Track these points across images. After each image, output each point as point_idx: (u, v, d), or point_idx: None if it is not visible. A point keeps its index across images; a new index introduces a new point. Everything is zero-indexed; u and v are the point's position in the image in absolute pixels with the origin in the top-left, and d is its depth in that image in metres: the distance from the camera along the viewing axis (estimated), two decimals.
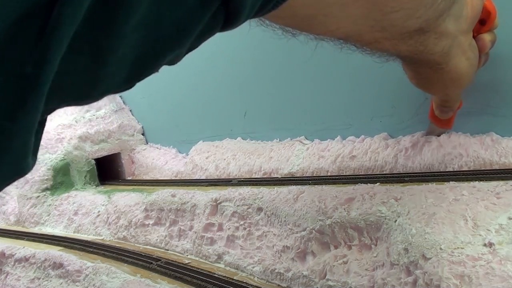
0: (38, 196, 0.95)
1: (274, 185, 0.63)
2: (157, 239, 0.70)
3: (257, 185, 0.65)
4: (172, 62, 0.25)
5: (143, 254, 0.67)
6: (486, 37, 0.46)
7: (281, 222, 0.52)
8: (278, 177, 0.69)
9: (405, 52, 0.40)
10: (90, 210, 0.85)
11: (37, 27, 0.17)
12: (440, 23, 0.39)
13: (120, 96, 1.10)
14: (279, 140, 0.75)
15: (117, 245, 0.73)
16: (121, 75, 0.22)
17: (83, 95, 0.22)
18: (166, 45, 0.23)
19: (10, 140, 0.18)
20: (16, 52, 0.17)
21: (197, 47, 0.25)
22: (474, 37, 0.45)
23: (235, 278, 0.55)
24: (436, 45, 0.40)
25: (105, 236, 0.80)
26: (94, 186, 0.98)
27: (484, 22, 0.45)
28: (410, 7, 0.35)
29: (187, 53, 0.25)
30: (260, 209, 0.56)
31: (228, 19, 0.24)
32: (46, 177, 0.95)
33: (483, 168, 0.49)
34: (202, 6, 0.22)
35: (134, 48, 0.21)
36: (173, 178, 0.91)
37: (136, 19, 0.20)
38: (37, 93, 0.18)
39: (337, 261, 0.46)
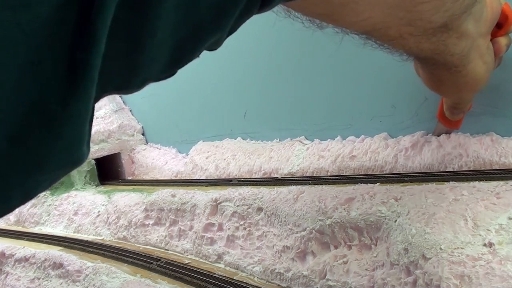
0: (38, 196, 0.95)
1: (274, 185, 0.63)
2: (157, 239, 0.70)
3: (257, 185, 0.65)
4: (213, 47, 0.25)
5: (143, 254, 0.67)
6: (502, 41, 0.46)
7: (281, 222, 0.52)
8: (278, 177, 0.69)
9: (426, 51, 0.40)
10: (90, 210, 0.85)
11: (82, 8, 0.16)
12: (462, 22, 0.39)
13: (120, 96, 1.10)
14: (279, 140, 0.75)
15: (117, 245, 0.73)
16: (161, 62, 0.21)
17: (125, 82, 0.21)
18: (205, 29, 0.22)
19: (62, 126, 0.18)
20: (64, 35, 0.16)
21: (236, 30, 0.25)
22: (490, 40, 0.45)
23: (235, 278, 0.55)
24: (456, 45, 0.40)
25: (105, 236, 0.80)
26: (94, 186, 0.98)
27: (500, 25, 0.45)
28: None
29: (227, 37, 0.25)
30: (260, 209, 0.56)
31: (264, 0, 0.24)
32: None
33: (483, 168, 0.49)
34: None
35: (173, 33, 0.20)
36: (173, 178, 0.91)
37: (172, 1, 0.19)
38: (88, 77, 0.17)
39: (337, 261, 0.46)
